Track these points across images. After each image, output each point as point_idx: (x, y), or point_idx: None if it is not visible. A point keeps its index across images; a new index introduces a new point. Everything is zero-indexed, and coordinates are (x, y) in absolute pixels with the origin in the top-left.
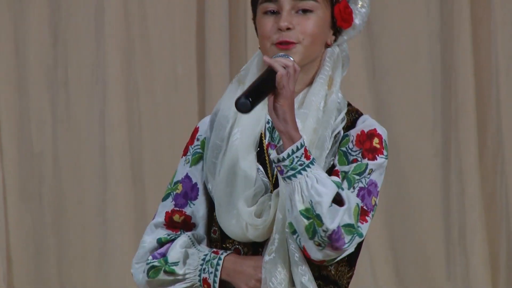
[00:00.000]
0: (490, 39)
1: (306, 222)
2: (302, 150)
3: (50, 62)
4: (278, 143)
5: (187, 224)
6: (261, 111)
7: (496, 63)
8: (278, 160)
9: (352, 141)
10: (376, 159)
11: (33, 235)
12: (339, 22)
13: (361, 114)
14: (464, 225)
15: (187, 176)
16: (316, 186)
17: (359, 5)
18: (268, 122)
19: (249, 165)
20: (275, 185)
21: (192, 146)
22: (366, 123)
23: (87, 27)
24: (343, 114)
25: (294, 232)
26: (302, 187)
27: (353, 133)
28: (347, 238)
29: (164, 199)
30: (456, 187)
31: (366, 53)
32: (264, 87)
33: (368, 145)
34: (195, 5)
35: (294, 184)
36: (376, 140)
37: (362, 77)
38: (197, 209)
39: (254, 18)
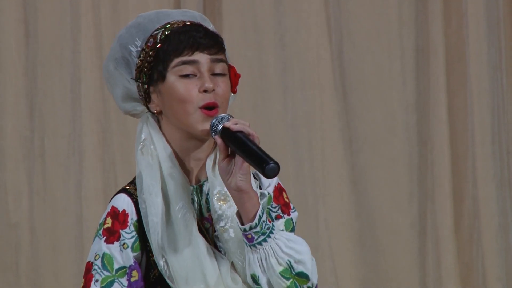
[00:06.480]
0: (466, 109)
1: (287, 282)
2: (265, 213)
3: (26, 134)
4: (205, 214)
5: None
6: (184, 179)
7: (472, 134)
8: (250, 228)
9: (272, 198)
10: (291, 214)
11: None
12: (233, 86)
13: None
14: None
15: (136, 263)
16: (291, 245)
17: None
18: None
19: (202, 241)
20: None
21: (126, 231)
22: (273, 179)
23: (64, 98)
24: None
25: None
26: (275, 250)
27: (270, 190)
28: None
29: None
30: (433, 258)
31: (342, 124)
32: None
33: (282, 201)
34: None
35: (266, 249)
36: (284, 194)
37: (339, 149)
38: None
39: (149, 87)
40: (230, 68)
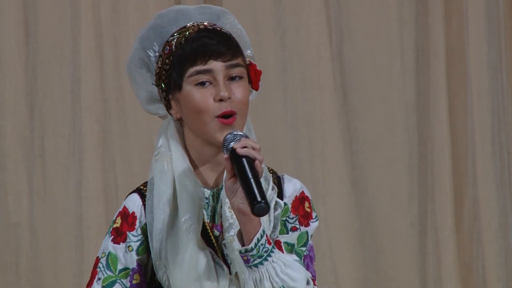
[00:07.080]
0: (466, 110)
1: None
2: (264, 236)
3: (26, 134)
4: (217, 221)
5: None
6: (197, 189)
7: (472, 134)
8: (246, 251)
9: (289, 209)
10: (310, 225)
11: None
12: (255, 84)
13: (278, 175)
14: None
15: (139, 266)
16: (287, 271)
17: None
18: (204, 200)
19: (207, 254)
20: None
21: (133, 234)
22: (296, 187)
23: (64, 98)
24: (271, 183)
25: None
26: (271, 273)
27: (289, 201)
28: None
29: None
30: (433, 258)
31: (342, 124)
32: (259, 181)
33: (302, 211)
34: None
35: (262, 271)
36: (306, 204)
37: (339, 149)
38: None
39: (169, 95)
40: (250, 67)
